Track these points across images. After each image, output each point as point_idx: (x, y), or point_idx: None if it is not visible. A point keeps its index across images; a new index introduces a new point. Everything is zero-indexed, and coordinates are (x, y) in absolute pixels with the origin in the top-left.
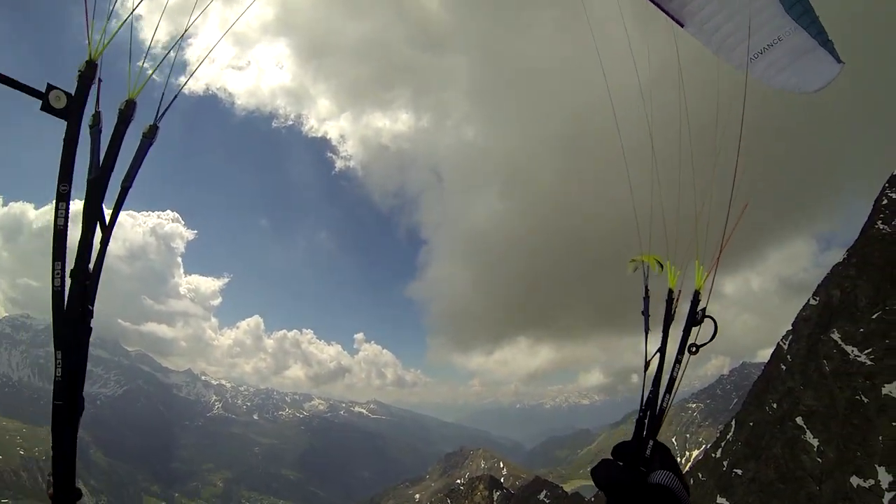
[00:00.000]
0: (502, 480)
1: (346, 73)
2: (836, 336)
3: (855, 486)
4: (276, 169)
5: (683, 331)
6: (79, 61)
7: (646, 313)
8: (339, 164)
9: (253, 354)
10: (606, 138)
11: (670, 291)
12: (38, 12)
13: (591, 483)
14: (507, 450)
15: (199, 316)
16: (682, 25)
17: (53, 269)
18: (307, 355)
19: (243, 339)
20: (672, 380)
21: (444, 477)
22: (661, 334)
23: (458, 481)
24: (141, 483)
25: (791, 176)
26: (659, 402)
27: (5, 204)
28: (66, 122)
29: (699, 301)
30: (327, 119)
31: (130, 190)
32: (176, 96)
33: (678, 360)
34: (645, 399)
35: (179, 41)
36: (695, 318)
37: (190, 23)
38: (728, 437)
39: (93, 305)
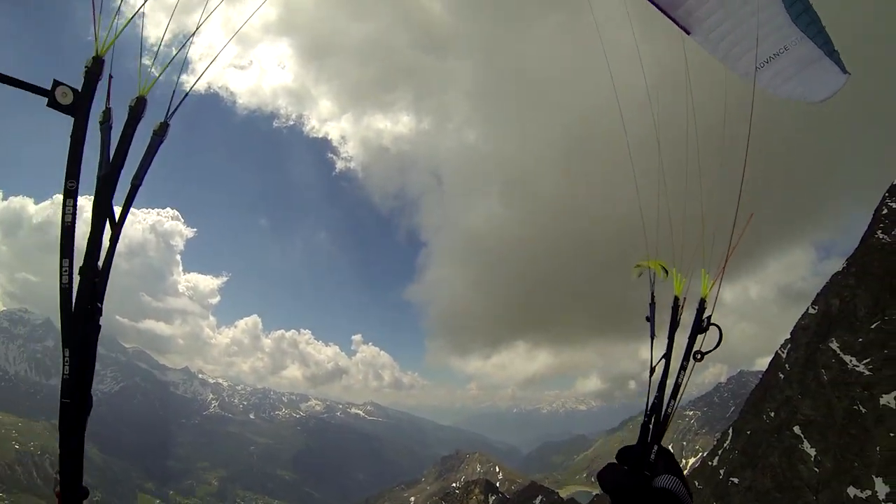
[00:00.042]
0: (498, 485)
1: (348, 74)
2: (834, 345)
3: (852, 496)
4: (277, 169)
5: (689, 338)
6: (83, 57)
7: (651, 320)
8: (339, 165)
9: (250, 354)
10: (607, 144)
11: (676, 299)
12: (39, 7)
13: (587, 489)
14: (503, 454)
15: (197, 314)
16: (688, 33)
17: (61, 266)
18: (305, 356)
19: (241, 339)
20: (677, 386)
21: (439, 480)
22: (664, 340)
23: (454, 485)
24: (136, 480)
25: (790, 184)
26: (664, 407)
27: (5, 198)
28: (72, 119)
29: (705, 309)
30: (328, 120)
31: (140, 187)
32: (187, 94)
33: (683, 367)
34: (650, 404)
35: (190, 39)
36: (700, 325)
37: (201, 22)
38: (725, 445)
39: (102, 303)
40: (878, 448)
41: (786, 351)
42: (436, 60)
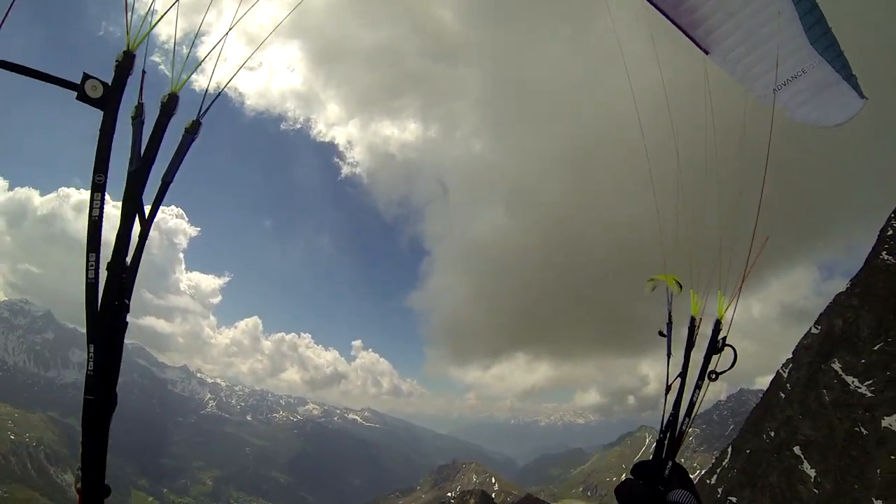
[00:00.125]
0: (494, 496)
1: (357, 80)
2: (836, 366)
3: None
4: (282, 171)
5: (704, 358)
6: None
7: (668, 339)
8: (345, 169)
9: (250, 355)
10: (613, 157)
11: (692, 319)
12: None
13: (583, 503)
14: (499, 465)
15: (197, 313)
16: (707, 53)
17: (87, 261)
18: (304, 359)
19: (241, 339)
20: (691, 404)
21: (435, 489)
22: (673, 356)
23: (450, 494)
24: (130, 476)
25: (795, 203)
26: (679, 425)
27: (10, 189)
28: (102, 112)
29: (720, 330)
30: (336, 124)
31: (171, 185)
32: (219, 93)
33: (698, 386)
34: (665, 421)
35: (224, 38)
36: (716, 346)
37: (235, 20)
38: (724, 463)
39: (129, 300)
40: (878, 471)
41: (787, 370)
42: (445, 68)
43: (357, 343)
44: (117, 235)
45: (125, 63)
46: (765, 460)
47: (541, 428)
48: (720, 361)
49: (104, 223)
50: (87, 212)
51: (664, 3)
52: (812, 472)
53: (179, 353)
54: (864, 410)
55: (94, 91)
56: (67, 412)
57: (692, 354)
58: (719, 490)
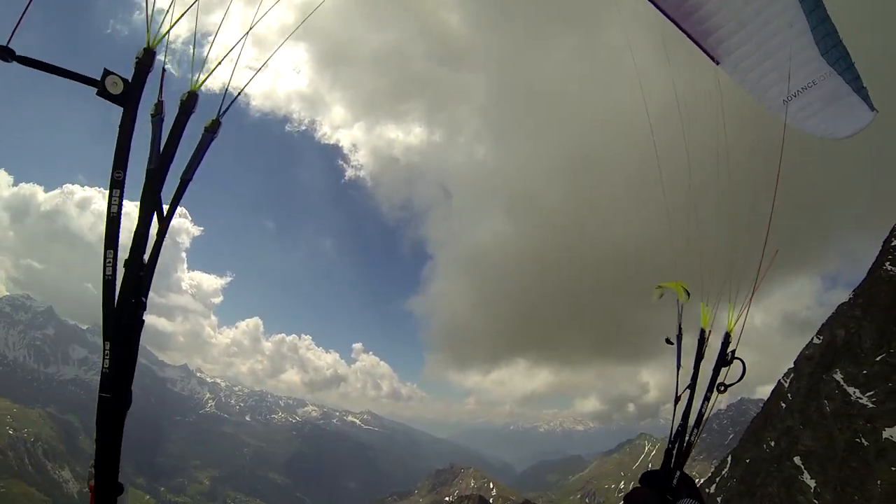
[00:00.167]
0: (491, 501)
1: (363, 83)
2: (838, 376)
3: None
4: (286, 173)
5: (714, 370)
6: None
7: (678, 350)
8: (349, 172)
9: (250, 356)
10: (616, 166)
11: (702, 331)
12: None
13: None
14: (497, 470)
15: (198, 312)
16: (717, 63)
17: (105, 258)
18: (304, 361)
19: (241, 340)
20: (700, 415)
21: (432, 493)
22: (677, 367)
23: (447, 499)
24: (127, 474)
25: (798, 213)
26: (687, 435)
27: (15, 184)
28: (122, 109)
29: (729, 343)
30: (341, 127)
31: (190, 183)
32: (239, 93)
33: (707, 398)
34: (674, 431)
35: (243, 38)
36: (725, 359)
37: (255, 21)
38: (723, 472)
39: (146, 297)
40: (879, 482)
41: (788, 380)
42: (450, 73)
43: (357, 346)
44: (135, 233)
45: (145, 60)
46: (764, 470)
47: (540, 434)
48: (729, 374)
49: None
50: (106, 208)
51: (675, 13)
52: (812, 483)
53: (179, 351)
54: (865, 421)
55: (115, 87)
56: (66, 409)
57: (696, 364)
58: (718, 499)
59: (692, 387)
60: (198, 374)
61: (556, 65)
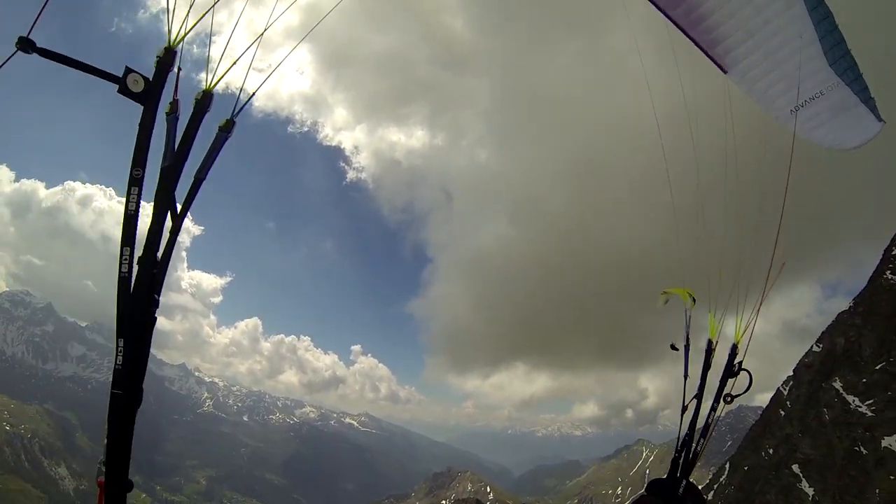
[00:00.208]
0: None
1: (366, 85)
2: (837, 385)
3: None
4: (288, 174)
5: (720, 381)
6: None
7: (685, 361)
8: (350, 174)
9: (248, 356)
10: (619, 172)
11: (709, 342)
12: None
13: None
14: (494, 474)
15: (198, 312)
16: (725, 72)
17: (121, 255)
18: (303, 362)
19: (240, 340)
20: (707, 425)
21: (429, 496)
22: (684, 378)
23: (444, 502)
24: None
25: (799, 220)
26: (694, 445)
27: (17, 180)
28: (142, 107)
29: (736, 354)
30: (343, 129)
31: (203, 182)
32: (254, 93)
33: (713, 408)
34: (680, 441)
35: (258, 39)
36: (732, 370)
37: (270, 23)
38: (721, 479)
39: (159, 295)
40: (877, 491)
41: (787, 388)
42: (453, 77)
43: (356, 348)
44: (149, 230)
45: (166, 59)
46: (763, 477)
47: (538, 438)
48: (735, 385)
49: (107, 216)
50: (124, 205)
51: (684, 22)
52: (810, 491)
53: (178, 350)
54: (865, 430)
55: (136, 85)
56: (64, 405)
57: (704, 374)
58: None
59: (699, 397)
60: (196, 374)
61: (560, 69)
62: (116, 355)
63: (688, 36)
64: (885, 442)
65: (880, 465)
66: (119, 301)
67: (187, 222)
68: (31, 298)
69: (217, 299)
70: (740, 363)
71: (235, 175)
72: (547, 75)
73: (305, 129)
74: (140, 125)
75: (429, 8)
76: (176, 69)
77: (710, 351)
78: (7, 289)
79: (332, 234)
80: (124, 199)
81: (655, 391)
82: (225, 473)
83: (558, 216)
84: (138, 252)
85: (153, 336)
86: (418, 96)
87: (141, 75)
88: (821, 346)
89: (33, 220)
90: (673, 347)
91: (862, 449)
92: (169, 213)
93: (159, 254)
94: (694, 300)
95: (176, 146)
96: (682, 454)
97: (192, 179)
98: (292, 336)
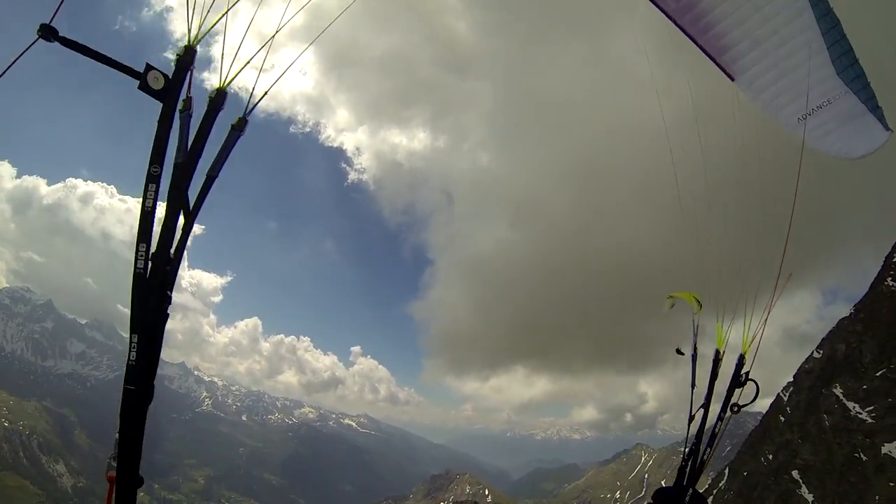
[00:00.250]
0: None
1: (369, 86)
2: (838, 391)
3: None
4: (289, 174)
5: (727, 391)
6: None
7: (693, 370)
8: (352, 175)
9: (248, 355)
10: (620, 176)
11: (717, 352)
12: None
13: None
14: (493, 477)
15: (198, 311)
16: (732, 79)
17: (137, 251)
18: (302, 362)
19: (240, 339)
20: (713, 435)
21: (427, 498)
22: (691, 387)
23: None
24: None
25: (800, 226)
26: (700, 454)
27: (18, 176)
28: (161, 104)
29: (743, 364)
30: (345, 130)
31: (216, 180)
32: (266, 93)
33: (721, 418)
34: (687, 450)
35: (271, 39)
36: (739, 380)
37: (281, 25)
38: (720, 484)
39: (171, 292)
40: (877, 497)
41: (787, 394)
42: (456, 79)
43: (356, 349)
44: (162, 227)
45: (186, 58)
46: (762, 483)
47: (536, 442)
48: (742, 394)
49: (108, 214)
50: (141, 202)
51: (692, 29)
52: (810, 497)
53: (178, 349)
54: (864, 436)
55: (156, 82)
56: (62, 403)
57: (711, 384)
58: None
59: (706, 406)
60: (195, 373)
61: (563, 72)
62: (130, 351)
63: (696, 43)
64: (885, 448)
65: (880, 472)
66: (133, 297)
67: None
68: (31, 295)
69: (217, 298)
70: (747, 373)
71: (237, 175)
72: (550, 78)
73: (307, 129)
74: (158, 122)
75: (432, 10)
76: (190, 67)
77: (717, 361)
78: (7, 285)
79: (333, 235)
80: (141, 196)
81: (655, 396)
82: (223, 473)
83: (559, 220)
84: (151, 249)
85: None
86: (421, 98)
87: (161, 72)
88: (821, 352)
89: (34, 216)
90: (679, 352)
91: (862, 455)
92: (181, 211)
93: (172, 250)
94: (700, 305)
95: (189, 144)
96: (689, 463)
97: (205, 177)
98: (292, 336)
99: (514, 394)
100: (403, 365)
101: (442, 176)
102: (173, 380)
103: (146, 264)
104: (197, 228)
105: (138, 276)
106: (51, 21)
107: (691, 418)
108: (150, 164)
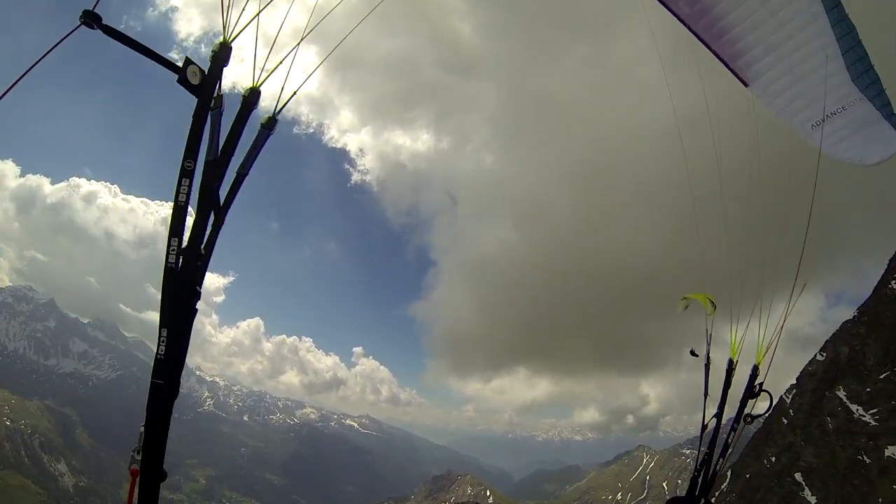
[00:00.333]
0: None
1: (372, 88)
2: (841, 394)
3: None
4: (292, 174)
5: (741, 401)
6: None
7: (706, 378)
8: (355, 176)
9: (250, 356)
10: (624, 178)
11: (730, 361)
12: None
13: None
14: (494, 478)
15: (199, 311)
16: (746, 85)
17: (169, 246)
18: (304, 363)
19: (242, 340)
20: (726, 445)
21: (429, 499)
22: (704, 395)
23: None
24: (123, 469)
25: (801, 228)
26: (713, 464)
27: (22, 175)
28: (196, 99)
29: (757, 375)
30: (348, 131)
31: (246, 178)
32: (295, 92)
33: (734, 428)
34: (700, 459)
35: (301, 39)
36: (752, 391)
37: (312, 27)
38: (723, 487)
39: (201, 287)
40: (880, 500)
41: (790, 396)
42: (460, 81)
43: (358, 350)
44: (193, 223)
45: (221, 54)
46: (764, 485)
47: (538, 443)
48: (756, 405)
49: (111, 213)
50: (174, 196)
51: (706, 35)
52: (813, 500)
53: None
54: (868, 439)
55: (194, 77)
56: (64, 402)
57: (724, 394)
58: None
59: (719, 416)
60: (197, 373)
61: (567, 74)
62: (159, 345)
63: (710, 49)
64: (888, 451)
65: (883, 475)
66: (164, 291)
67: (190, 221)
68: (33, 294)
69: (219, 298)
70: (761, 384)
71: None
72: (553, 80)
73: (311, 130)
74: (193, 117)
75: (436, 11)
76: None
77: (730, 371)
78: (10, 284)
79: (336, 236)
80: (174, 190)
81: (656, 397)
82: (224, 473)
83: (562, 221)
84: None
85: (154, 334)
86: (424, 100)
87: (199, 68)
88: (824, 354)
89: (38, 215)
90: (693, 353)
91: (865, 458)
92: (212, 208)
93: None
94: (714, 306)
95: (221, 141)
96: (702, 473)
97: (235, 175)
98: (294, 337)
99: (516, 395)
100: (405, 366)
101: (445, 177)
102: None
103: (178, 259)
104: None
105: (170, 271)
106: (94, 7)
107: (704, 427)
108: (184, 158)
